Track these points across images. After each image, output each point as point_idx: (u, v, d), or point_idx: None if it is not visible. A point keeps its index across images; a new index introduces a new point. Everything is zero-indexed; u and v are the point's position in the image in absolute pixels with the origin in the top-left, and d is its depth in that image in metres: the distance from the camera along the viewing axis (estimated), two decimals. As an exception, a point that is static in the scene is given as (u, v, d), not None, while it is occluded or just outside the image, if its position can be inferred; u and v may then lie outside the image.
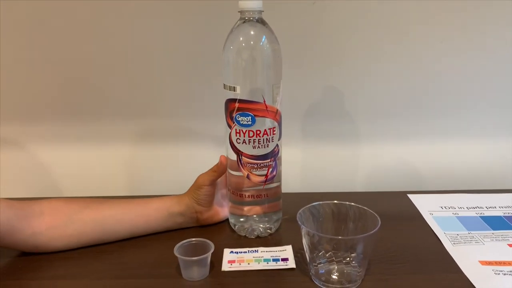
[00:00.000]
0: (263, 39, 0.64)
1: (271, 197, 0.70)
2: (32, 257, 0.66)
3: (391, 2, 0.82)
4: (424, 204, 0.80)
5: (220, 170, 0.71)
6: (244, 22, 0.64)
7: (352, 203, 0.63)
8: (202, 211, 0.72)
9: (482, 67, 0.86)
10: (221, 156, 0.71)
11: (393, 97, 0.88)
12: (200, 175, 0.72)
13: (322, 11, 0.82)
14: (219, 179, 0.72)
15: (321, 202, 0.63)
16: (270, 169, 0.68)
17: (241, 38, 0.64)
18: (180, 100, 0.89)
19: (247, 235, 0.71)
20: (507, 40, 0.84)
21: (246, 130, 0.65)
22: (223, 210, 0.75)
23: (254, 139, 0.65)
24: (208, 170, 0.71)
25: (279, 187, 0.71)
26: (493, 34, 0.84)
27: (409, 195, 0.84)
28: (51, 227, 0.65)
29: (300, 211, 0.61)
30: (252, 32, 0.64)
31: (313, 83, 0.87)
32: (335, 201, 0.64)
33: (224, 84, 0.66)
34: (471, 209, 0.78)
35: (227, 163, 0.70)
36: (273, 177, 0.69)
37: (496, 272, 0.60)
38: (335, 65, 0.86)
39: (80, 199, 0.70)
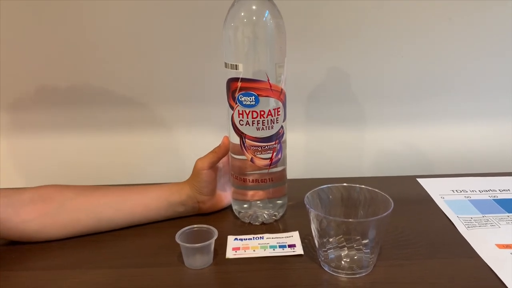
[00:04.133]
0: (266, 14, 0.61)
1: (276, 181, 0.67)
2: (24, 247, 0.63)
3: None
4: (435, 188, 0.77)
5: (221, 151, 0.67)
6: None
7: (363, 186, 0.60)
8: (204, 200, 0.69)
9: (496, 46, 0.83)
10: (224, 136, 0.67)
11: (401, 79, 0.85)
12: (199, 159, 0.68)
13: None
14: (222, 163, 0.69)
15: (329, 185, 0.60)
16: (275, 152, 0.65)
17: (242, 14, 0.61)
18: (179, 80, 0.86)
19: (251, 222, 0.68)
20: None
21: (249, 111, 0.62)
22: (226, 196, 0.72)
23: (258, 120, 0.62)
24: (208, 153, 0.68)
25: (284, 171, 0.68)
26: (502, 13, 0.81)
27: (419, 179, 0.81)
28: (43, 215, 0.62)
29: (307, 194, 0.58)
30: (254, 7, 0.60)
31: (317, 65, 0.84)
32: (345, 184, 0.61)
33: (226, 63, 0.62)
34: (483, 192, 0.75)
35: (230, 145, 0.67)
36: (278, 160, 0.65)
37: (515, 256, 0.58)
38: (340, 46, 0.83)
39: (74, 186, 0.66)
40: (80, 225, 0.64)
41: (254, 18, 0.61)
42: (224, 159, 0.69)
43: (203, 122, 0.88)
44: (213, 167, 0.68)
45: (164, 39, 0.83)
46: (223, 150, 0.67)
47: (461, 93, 0.86)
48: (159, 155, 0.90)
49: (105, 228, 0.66)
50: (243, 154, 0.64)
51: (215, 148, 0.67)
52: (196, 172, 0.68)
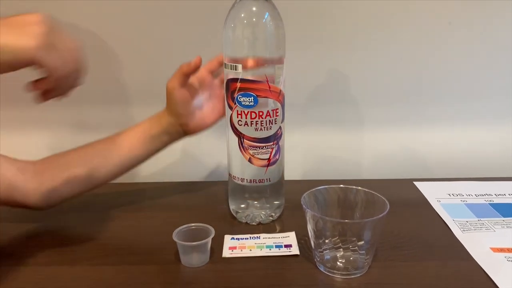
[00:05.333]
0: (266, 16, 0.61)
1: (273, 182, 0.67)
2: (22, 242, 0.63)
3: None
4: (431, 192, 0.78)
5: (187, 67, 0.64)
6: (242, -2, 0.61)
7: (359, 187, 0.60)
8: (185, 122, 0.68)
9: (491, 51, 0.84)
10: (197, 56, 0.64)
11: (399, 82, 0.86)
12: (168, 79, 0.67)
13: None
14: (197, 81, 0.68)
15: (326, 186, 0.61)
16: (273, 153, 0.65)
17: (242, 15, 0.61)
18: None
19: (248, 222, 0.69)
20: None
21: (248, 111, 0.62)
22: (209, 115, 0.70)
23: (256, 121, 0.63)
24: (188, 84, 0.67)
25: (281, 171, 0.69)
26: (500, 19, 0.82)
27: (415, 183, 0.82)
28: (47, 181, 0.64)
29: (304, 194, 0.58)
30: (254, 8, 0.61)
31: (316, 67, 0.85)
32: (341, 185, 0.61)
33: (225, 63, 0.63)
34: (479, 196, 0.76)
35: (201, 64, 0.65)
36: (276, 160, 0.66)
37: (509, 259, 0.58)
38: (339, 48, 0.84)
39: (66, 152, 0.68)
40: (76, 181, 0.65)
41: (254, 19, 0.61)
42: (201, 76, 0.68)
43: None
44: (185, 85, 0.66)
45: (164, 39, 0.83)
46: (192, 67, 0.64)
47: (459, 97, 0.86)
48: (158, 154, 0.90)
49: (102, 179, 0.67)
50: (241, 154, 0.65)
51: (182, 64, 0.65)
52: (168, 94, 0.67)
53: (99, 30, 0.82)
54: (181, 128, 0.69)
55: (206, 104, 0.70)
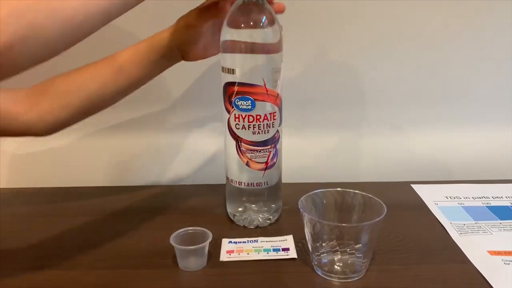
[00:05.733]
0: (263, 20, 0.61)
1: (271, 185, 0.67)
2: (19, 247, 0.63)
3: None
4: (429, 194, 0.78)
5: (220, 12, 0.62)
6: (243, 1, 0.61)
7: (357, 191, 0.60)
8: (188, 49, 0.65)
9: (487, 55, 0.84)
10: None
11: (397, 85, 0.86)
12: (192, 12, 0.63)
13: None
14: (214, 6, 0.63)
15: (323, 190, 0.61)
16: (271, 156, 0.65)
17: (240, 19, 0.61)
18: (176, 83, 0.86)
19: (246, 225, 0.69)
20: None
21: (245, 115, 0.62)
22: (212, 46, 0.67)
23: (254, 124, 0.63)
24: (204, 7, 0.63)
25: (279, 174, 0.69)
26: (497, 22, 0.82)
27: (413, 185, 0.82)
28: (39, 104, 0.61)
29: (302, 198, 0.58)
30: (252, 12, 0.61)
31: (314, 70, 0.85)
32: (339, 189, 0.61)
33: (223, 67, 0.63)
34: (477, 199, 0.76)
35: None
36: (273, 164, 0.66)
37: (506, 262, 0.58)
38: (336, 51, 0.84)
39: (64, 73, 0.65)
40: (74, 109, 0.63)
41: (251, 23, 0.61)
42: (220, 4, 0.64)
43: (199, 125, 0.88)
44: (206, 18, 0.63)
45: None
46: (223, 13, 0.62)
47: (456, 100, 0.87)
48: (156, 157, 0.90)
49: (101, 106, 0.65)
50: (238, 157, 0.65)
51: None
52: (187, 24, 0.63)
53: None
54: (180, 53, 0.66)
55: (211, 34, 0.66)
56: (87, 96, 0.63)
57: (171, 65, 0.67)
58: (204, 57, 0.68)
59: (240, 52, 0.61)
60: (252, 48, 0.61)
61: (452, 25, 0.83)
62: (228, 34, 0.62)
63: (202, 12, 0.63)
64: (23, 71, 0.48)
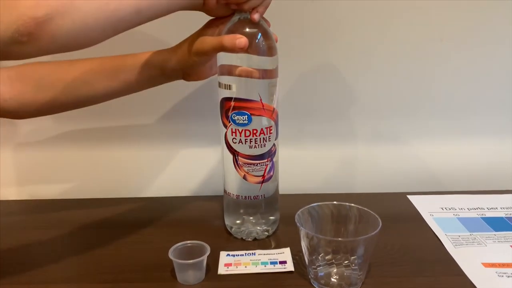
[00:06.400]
0: (259, 37, 0.62)
1: (268, 198, 0.68)
2: (18, 260, 0.64)
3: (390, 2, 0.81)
4: (424, 205, 0.79)
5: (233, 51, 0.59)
6: (239, 18, 0.62)
7: (352, 204, 0.61)
8: (190, 72, 0.66)
9: (483, 67, 0.85)
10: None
11: (392, 96, 0.87)
12: (204, 39, 0.60)
13: (321, 8, 0.81)
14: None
15: (320, 203, 0.62)
16: (267, 169, 0.66)
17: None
18: (173, 99, 0.87)
19: (244, 238, 0.69)
20: (509, 39, 0.83)
21: (242, 130, 0.63)
22: (211, 68, 0.67)
23: (250, 139, 0.64)
24: (217, 38, 0.59)
25: (276, 187, 0.70)
26: (494, 33, 0.83)
27: (409, 196, 0.83)
28: (21, 93, 0.61)
29: (298, 212, 0.59)
30: (247, 29, 0.62)
31: (310, 82, 0.86)
32: (335, 202, 0.62)
33: (219, 83, 0.64)
34: (472, 210, 0.77)
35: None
36: (270, 177, 0.67)
37: (499, 275, 0.59)
38: (332, 64, 0.85)
39: (50, 62, 0.65)
40: (58, 104, 0.63)
41: (249, 50, 0.61)
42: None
43: (197, 136, 0.88)
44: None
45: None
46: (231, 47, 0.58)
47: (451, 111, 0.87)
48: (154, 169, 0.91)
49: (84, 105, 0.65)
50: (236, 171, 0.66)
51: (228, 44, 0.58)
52: (197, 52, 0.61)
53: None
54: (181, 75, 0.66)
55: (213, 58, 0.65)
56: (74, 96, 0.64)
57: (168, 82, 0.68)
58: (203, 78, 0.69)
59: (236, 69, 0.62)
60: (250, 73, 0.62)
61: (445, 41, 0.83)
62: (224, 58, 0.62)
63: (212, 40, 0.60)
64: (57, 52, 0.49)
